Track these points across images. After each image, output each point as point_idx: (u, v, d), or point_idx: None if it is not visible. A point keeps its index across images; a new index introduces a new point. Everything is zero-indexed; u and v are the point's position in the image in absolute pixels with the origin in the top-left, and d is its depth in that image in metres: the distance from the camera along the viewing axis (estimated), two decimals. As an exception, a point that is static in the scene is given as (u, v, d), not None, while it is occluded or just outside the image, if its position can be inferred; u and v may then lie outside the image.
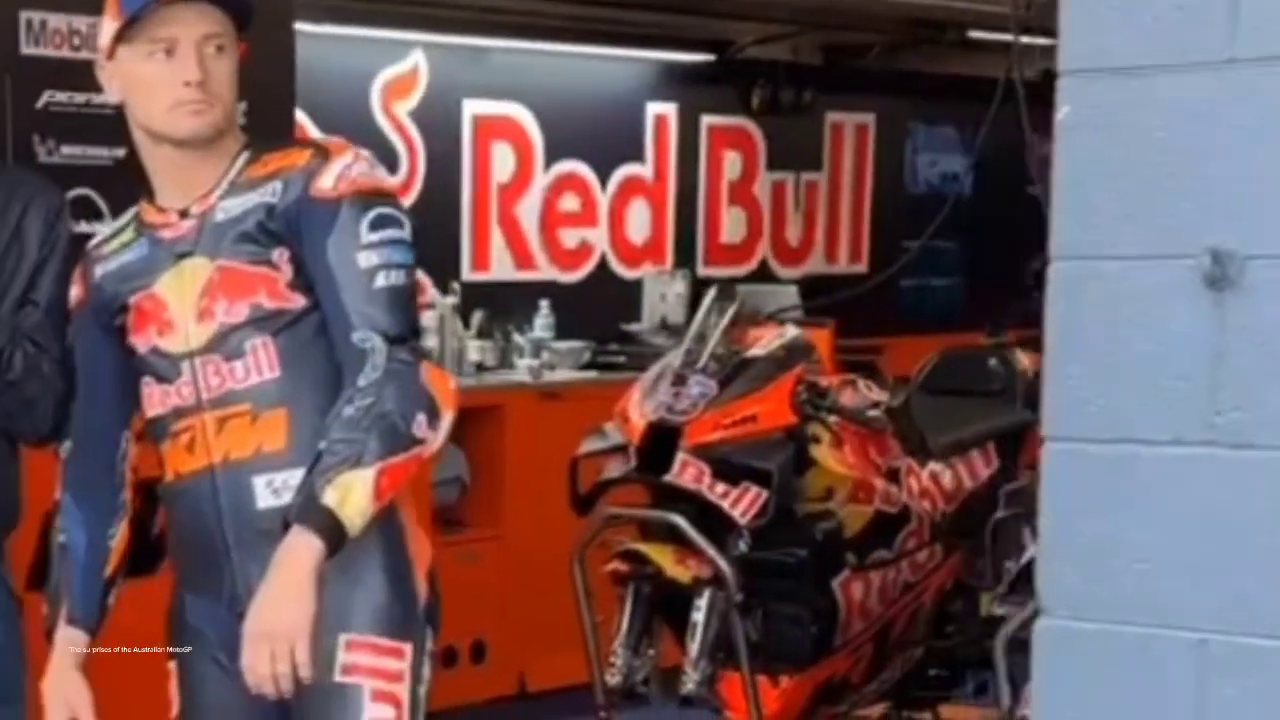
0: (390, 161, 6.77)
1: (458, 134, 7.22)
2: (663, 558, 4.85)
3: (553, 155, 7.59)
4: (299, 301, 2.93)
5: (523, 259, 7.54)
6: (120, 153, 4.93)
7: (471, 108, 7.30)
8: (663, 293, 7.83)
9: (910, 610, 5.37)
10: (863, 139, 8.81)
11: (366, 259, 2.88)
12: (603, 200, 7.76)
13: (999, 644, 4.00)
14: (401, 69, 7.01)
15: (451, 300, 6.85)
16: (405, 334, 2.89)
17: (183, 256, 2.99)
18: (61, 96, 4.68)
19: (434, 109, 7.10)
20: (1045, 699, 2.31)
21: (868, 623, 5.18)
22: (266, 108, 5.03)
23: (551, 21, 7.31)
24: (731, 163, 8.26)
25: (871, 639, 5.23)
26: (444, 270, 6.98)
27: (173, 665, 3.09)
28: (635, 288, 7.85)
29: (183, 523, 3.06)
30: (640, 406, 4.97)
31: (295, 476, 2.85)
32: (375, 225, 2.90)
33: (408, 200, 5.80)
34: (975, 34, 8.14)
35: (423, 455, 2.87)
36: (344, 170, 2.92)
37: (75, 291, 3.13)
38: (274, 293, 2.93)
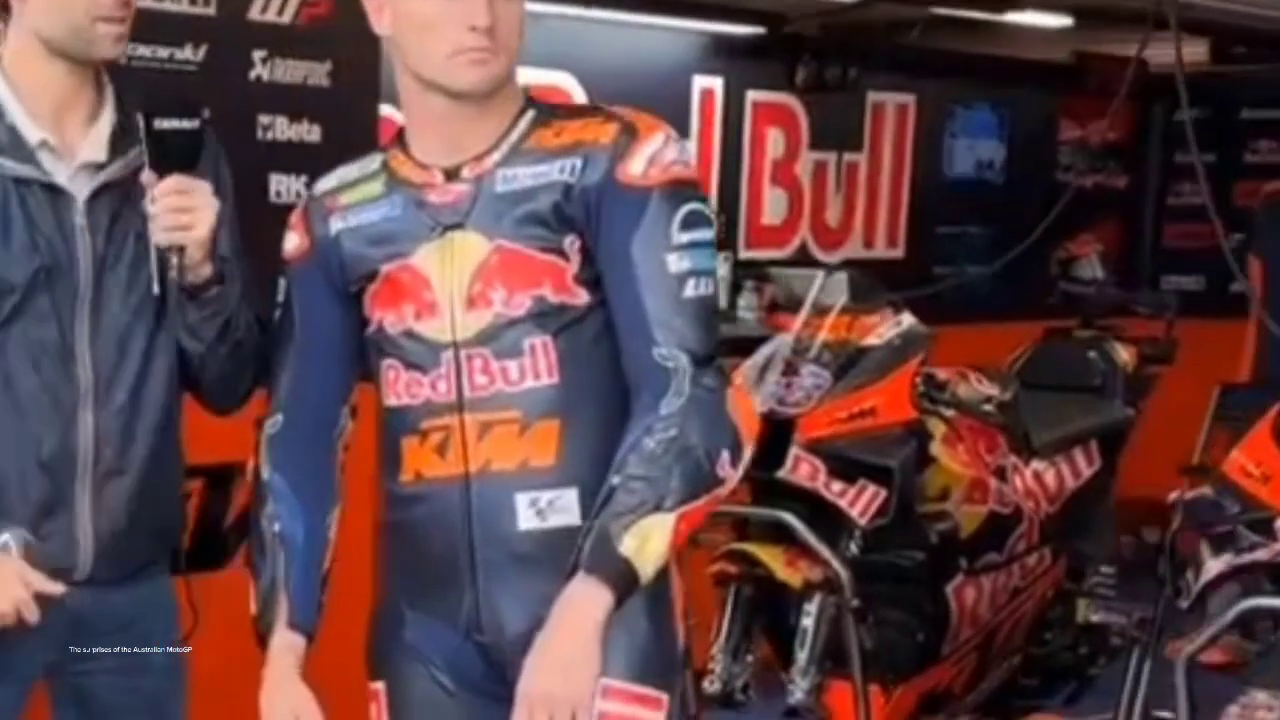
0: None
1: (508, 103, 6.89)
2: (773, 560, 4.56)
3: (601, 128, 7.27)
4: (583, 298, 2.58)
5: (570, 236, 7.22)
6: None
7: (523, 76, 6.94)
8: (705, 276, 7.46)
9: (1016, 617, 5.12)
10: (903, 120, 8.50)
11: (676, 262, 2.53)
12: (649, 177, 7.45)
13: (1180, 665, 3.75)
14: (454, 34, 6.67)
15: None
16: (712, 353, 2.55)
17: (451, 228, 2.60)
18: (144, 50, 4.30)
19: (485, 77, 6.76)
20: None
21: (976, 630, 4.93)
22: (351, 72, 4.71)
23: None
24: (775, 141, 7.95)
25: (976, 647, 4.98)
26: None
27: (380, 685, 2.72)
28: (677, 269, 7.54)
29: (418, 532, 2.66)
30: None
31: (562, 496, 2.56)
32: (687, 224, 2.55)
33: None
34: (1020, 16, 7.89)
35: (720, 495, 2.54)
36: (656, 154, 2.56)
37: (295, 240, 2.74)
38: (560, 285, 2.58)
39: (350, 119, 4.69)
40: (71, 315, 2.76)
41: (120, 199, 2.80)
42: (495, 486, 2.58)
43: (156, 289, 2.78)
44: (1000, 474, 5.05)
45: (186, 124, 2.73)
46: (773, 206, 8.00)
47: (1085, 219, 9.41)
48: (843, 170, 8.28)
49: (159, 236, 2.72)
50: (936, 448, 4.83)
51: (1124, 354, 5.62)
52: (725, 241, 7.73)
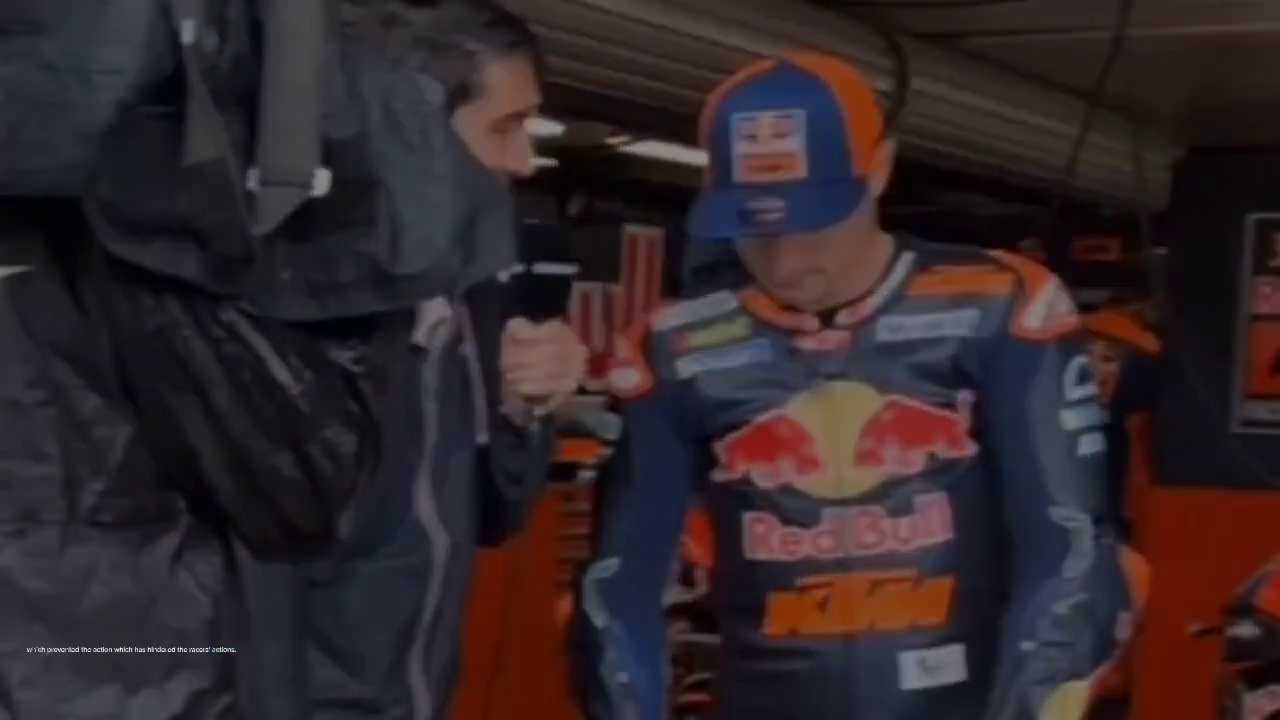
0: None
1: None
2: None
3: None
4: (971, 450, 2.52)
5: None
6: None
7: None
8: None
9: None
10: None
11: (1072, 419, 2.50)
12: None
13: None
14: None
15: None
16: (1106, 511, 2.53)
17: (832, 377, 2.50)
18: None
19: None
20: None
21: None
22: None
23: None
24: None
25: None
26: None
27: None
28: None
29: (790, 688, 2.58)
30: None
31: (949, 654, 2.53)
32: (1080, 379, 2.52)
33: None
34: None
35: (1117, 658, 2.53)
36: (1051, 307, 2.51)
37: (635, 378, 2.60)
38: (952, 440, 2.51)
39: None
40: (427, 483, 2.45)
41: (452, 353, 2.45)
42: (882, 645, 2.52)
43: (484, 439, 2.48)
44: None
45: (564, 269, 2.52)
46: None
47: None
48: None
49: (533, 385, 2.43)
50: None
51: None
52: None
